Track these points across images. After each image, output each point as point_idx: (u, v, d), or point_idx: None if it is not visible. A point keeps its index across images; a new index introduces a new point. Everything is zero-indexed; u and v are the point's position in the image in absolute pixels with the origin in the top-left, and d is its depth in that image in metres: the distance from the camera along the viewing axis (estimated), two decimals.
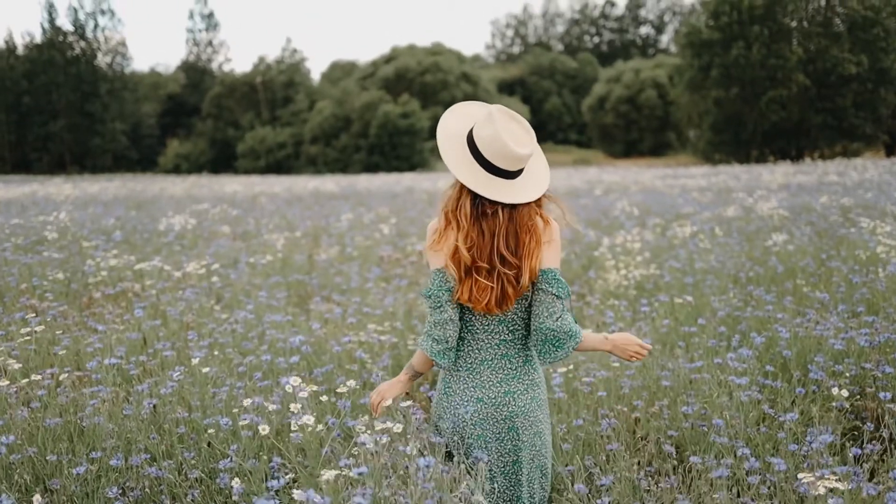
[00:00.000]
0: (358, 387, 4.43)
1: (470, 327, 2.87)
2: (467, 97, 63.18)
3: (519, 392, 2.84)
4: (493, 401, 2.83)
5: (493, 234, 2.75)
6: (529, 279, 2.76)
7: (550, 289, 2.76)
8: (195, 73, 75.26)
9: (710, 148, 51.37)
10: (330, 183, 26.89)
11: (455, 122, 2.86)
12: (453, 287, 2.78)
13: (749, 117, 48.57)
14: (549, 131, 74.82)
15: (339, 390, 3.36)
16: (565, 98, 77.10)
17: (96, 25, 70.12)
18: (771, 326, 5.69)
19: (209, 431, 3.56)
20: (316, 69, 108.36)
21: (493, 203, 2.74)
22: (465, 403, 2.84)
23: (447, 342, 2.81)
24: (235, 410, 3.64)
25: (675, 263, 7.83)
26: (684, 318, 6.18)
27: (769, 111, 47.44)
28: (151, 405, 3.77)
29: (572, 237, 9.72)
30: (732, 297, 6.77)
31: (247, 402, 3.32)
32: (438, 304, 2.79)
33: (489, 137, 2.70)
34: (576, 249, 9.22)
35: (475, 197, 2.75)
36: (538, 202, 2.83)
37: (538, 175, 2.84)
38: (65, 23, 71.26)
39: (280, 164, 61.02)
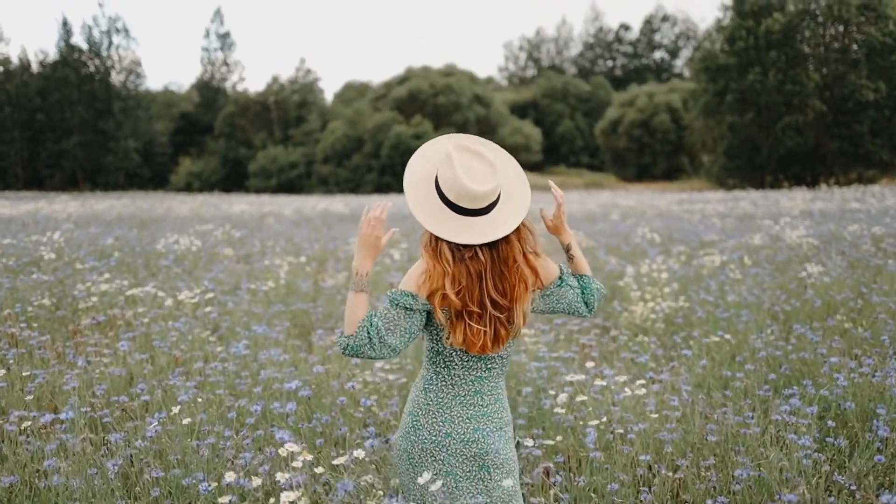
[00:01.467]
0: (363, 438, 3.93)
1: (448, 362, 2.74)
2: (480, 119, 63.01)
3: (489, 431, 2.74)
4: (463, 437, 2.72)
5: (479, 275, 2.64)
6: (524, 322, 2.72)
7: (559, 288, 2.84)
8: (209, 91, 75.21)
9: (724, 173, 50.88)
10: (339, 204, 26.41)
11: (422, 166, 2.75)
12: (428, 311, 2.66)
13: (764, 143, 48.10)
14: (561, 154, 74.45)
15: (337, 461, 2.82)
16: (578, 121, 76.65)
17: (111, 44, 70.17)
18: (819, 370, 5.16)
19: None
20: (329, 90, 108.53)
21: (469, 246, 2.63)
22: (434, 437, 2.71)
23: (388, 350, 2.63)
24: (217, 485, 3.10)
25: (707, 296, 7.29)
26: (722, 359, 5.64)
27: (785, 137, 46.99)
28: (117, 466, 3.24)
29: (593, 265, 9.18)
30: (770, 334, 6.24)
31: (229, 476, 2.79)
32: (409, 308, 2.62)
33: (449, 180, 2.61)
34: (597, 278, 8.67)
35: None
36: (522, 237, 2.71)
37: (515, 204, 2.71)
38: (80, 41, 71.21)
39: (292, 183, 60.75)
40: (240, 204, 26.22)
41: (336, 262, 10.39)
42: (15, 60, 68.14)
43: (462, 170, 2.58)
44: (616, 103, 69.33)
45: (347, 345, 2.61)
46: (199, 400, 4.17)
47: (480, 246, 2.62)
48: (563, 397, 4.14)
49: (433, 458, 2.71)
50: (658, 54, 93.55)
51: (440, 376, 2.74)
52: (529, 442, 3.64)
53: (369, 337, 2.60)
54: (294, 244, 12.21)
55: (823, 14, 47.56)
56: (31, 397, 4.23)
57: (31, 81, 67.20)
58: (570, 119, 76.73)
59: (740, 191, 37.15)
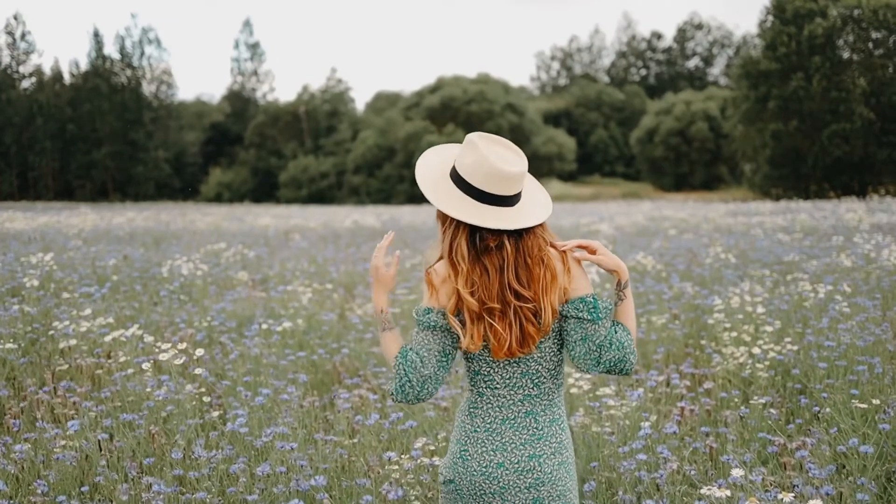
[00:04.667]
0: None
1: (489, 381, 2.50)
2: (513, 128, 61.99)
3: (546, 456, 2.49)
4: (517, 466, 2.46)
5: (499, 269, 2.43)
6: (552, 317, 2.43)
7: (581, 314, 2.43)
8: (239, 102, 74.84)
9: (767, 182, 49.38)
10: (370, 216, 25.14)
11: (435, 159, 2.60)
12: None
13: (809, 151, 46.52)
14: (595, 164, 73.42)
15: None
16: (612, 130, 75.51)
17: (142, 54, 70.07)
18: None
19: None
20: (360, 99, 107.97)
21: (495, 235, 2.41)
22: (485, 469, 2.46)
23: (417, 392, 2.45)
24: None
25: (818, 338, 5.91)
26: (863, 428, 4.29)
27: (831, 145, 45.41)
28: None
29: (671, 295, 7.85)
30: None
31: None
32: (434, 325, 2.44)
33: (474, 163, 2.42)
34: (674, 310, 7.32)
35: (472, 233, 2.43)
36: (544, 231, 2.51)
37: (539, 200, 2.55)
38: (112, 52, 71.15)
39: (322, 193, 60.06)
40: (265, 217, 25.01)
41: (366, 288, 9.10)
42: (46, 72, 68.20)
43: (489, 152, 2.42)
44: (652, 112, 68.11)
45: (394, 395, 2.47)
46: (185, 496, 2.91)
47: (507, 236, 2.41)
48: None
49: (482, 492, 2.46)
50: (692, 62, 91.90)
51: (484, 398, 2.51)
52: None
53: (407, 377, 2.43)
54: (318, 265, 10.93)
55: (868, 19, 46.02)
56: None
57: (62, 92, 67.29)
58: (604, 128, 75.54)
59: (787, 201, 35.51)
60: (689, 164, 64.83)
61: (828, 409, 4.46)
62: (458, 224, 2.44)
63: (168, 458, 3.50)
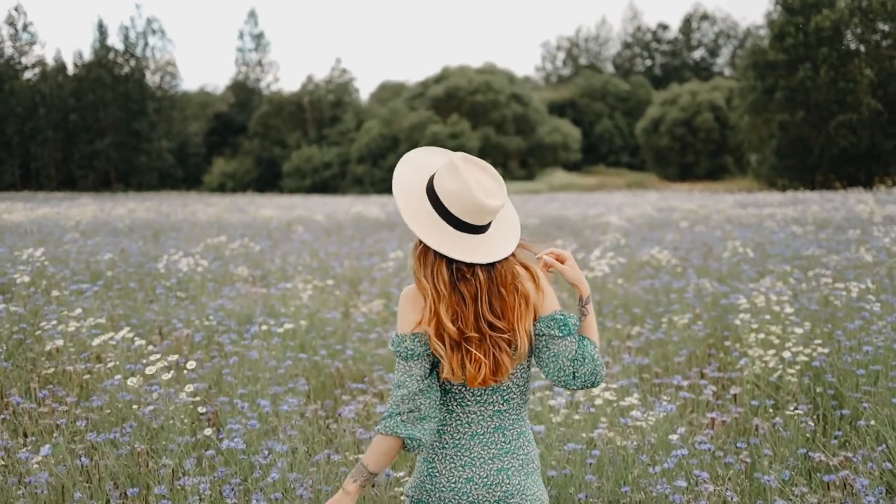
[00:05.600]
0: None
1: (459, 399, 2.47)
2: (517, 118, 61.68)
3: (513, 469, 2.47)
4: (485, 480, 2.44)
5: (474, 297, 2.39)
6: (528, 344, 2.43)
7: (552, 331, 2.44)
8: (244, 92, 74.48)
9: (773, 173, 49.01)
10: (375, 207, 24.74)
11: (411, 175, 2.48)
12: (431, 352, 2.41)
13: (816, 142, 46.16)
14: (600, 154, 73.14)
15: None
16: (617, 120, 75.06)
17: (146, 45, 69.78)
18: None
19: None
20: (365, 90, 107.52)
21: (470, 264, 2.38)
22: (454, 485, 2.42)
23: (419, 412, 2.37)
24: None
25: (865, 346, 5.56)
26: None
27: (838, 136, 45.05)
28: None
29: (694, 294, 7.49)
30: None
31: None
32: (412, 355, 2.38)
33: (456, 191, 2.36)
34: (697, 309, 6.98)
35: (449, 260, 2.38)
36: (516, 253, 2.49)
37: (509, 222, 2.50)
38: (116, 42, 70.93)
39: (326, 183, 59.79)
40: (268, 208, 24.60)
41: (371, 284, 8.76)
42: (50, 62, 67.94)
43: (473, 182, 2.35)
44: (657, 102, 67.70)
45: (411, 442, 2.38)
46: None
47: (480, 267, 2.39)
48: None
49: None
50: (698, 53, 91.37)
51: (454, 415, 2.48)
52: None
53: (402, 423, 2.37)
54: (321, 260, 10.57)
55: (875, 11, 45.64)
56: None
57: (65, 83, 67.04)
58: (609, 118, 75.10)
59: (793, 191, 35.09)
60: (694, 155, 64.50)
61: (872, 422, 4.12)
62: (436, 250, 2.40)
63: (153, 488, 3.17)
